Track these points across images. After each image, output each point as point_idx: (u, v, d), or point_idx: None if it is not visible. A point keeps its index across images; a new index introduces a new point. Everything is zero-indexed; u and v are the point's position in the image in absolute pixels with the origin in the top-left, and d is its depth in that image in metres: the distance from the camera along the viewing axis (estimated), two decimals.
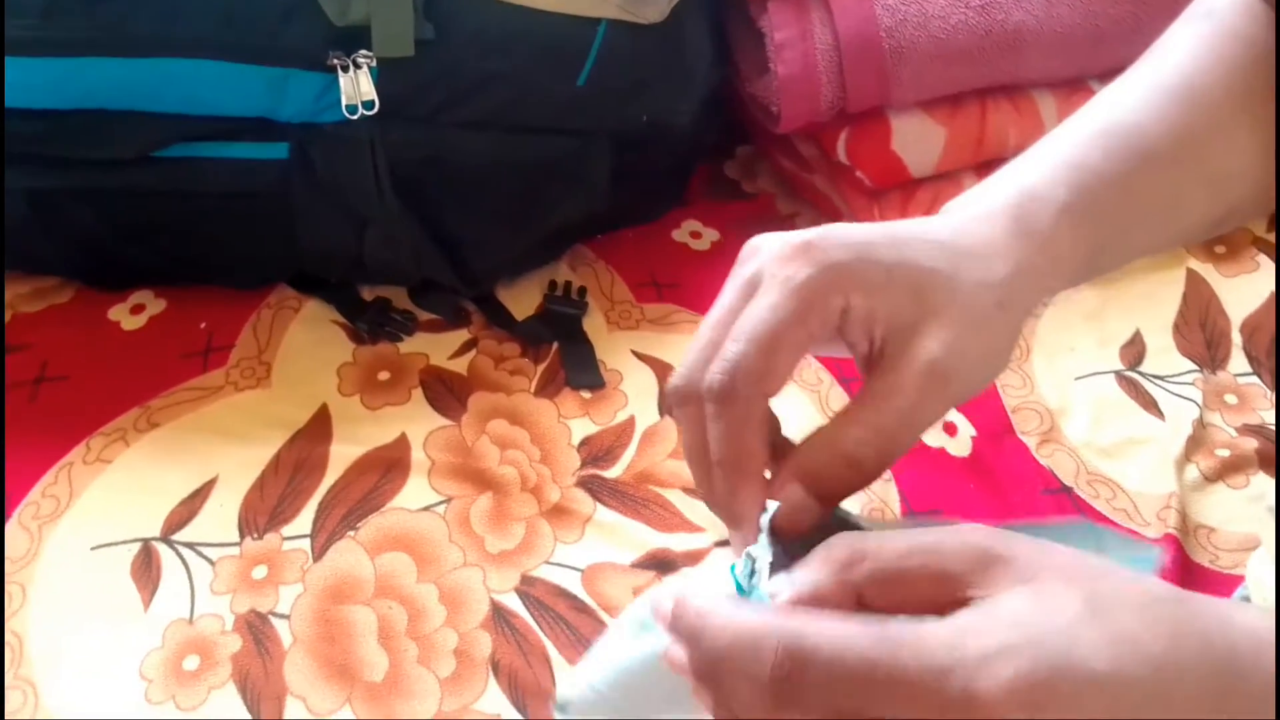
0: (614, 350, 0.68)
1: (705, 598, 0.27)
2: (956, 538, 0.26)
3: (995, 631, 0.23)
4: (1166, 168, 0.36)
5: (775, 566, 0.28)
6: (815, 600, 0.26)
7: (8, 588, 0.54)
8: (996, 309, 0.30)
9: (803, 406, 0.65)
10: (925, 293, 0.29)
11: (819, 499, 0.29)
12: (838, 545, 0.27)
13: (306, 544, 0.57)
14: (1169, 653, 0.23)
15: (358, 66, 0.60)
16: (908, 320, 0.29)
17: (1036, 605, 0.24)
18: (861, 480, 0.29)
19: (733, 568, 0.30)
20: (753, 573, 0.29)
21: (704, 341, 0.30)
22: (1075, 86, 0.74)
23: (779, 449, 0.31)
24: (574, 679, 0.34)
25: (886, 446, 0.29)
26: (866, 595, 0.26)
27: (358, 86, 0.60)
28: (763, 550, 0.29)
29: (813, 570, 0.27)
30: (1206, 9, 0.40)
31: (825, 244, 0.29)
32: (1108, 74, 0.44)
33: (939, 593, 0.25)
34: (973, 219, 0.32)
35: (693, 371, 0.30)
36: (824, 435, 0.30)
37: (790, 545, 0.30)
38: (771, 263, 0.29)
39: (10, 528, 0.57)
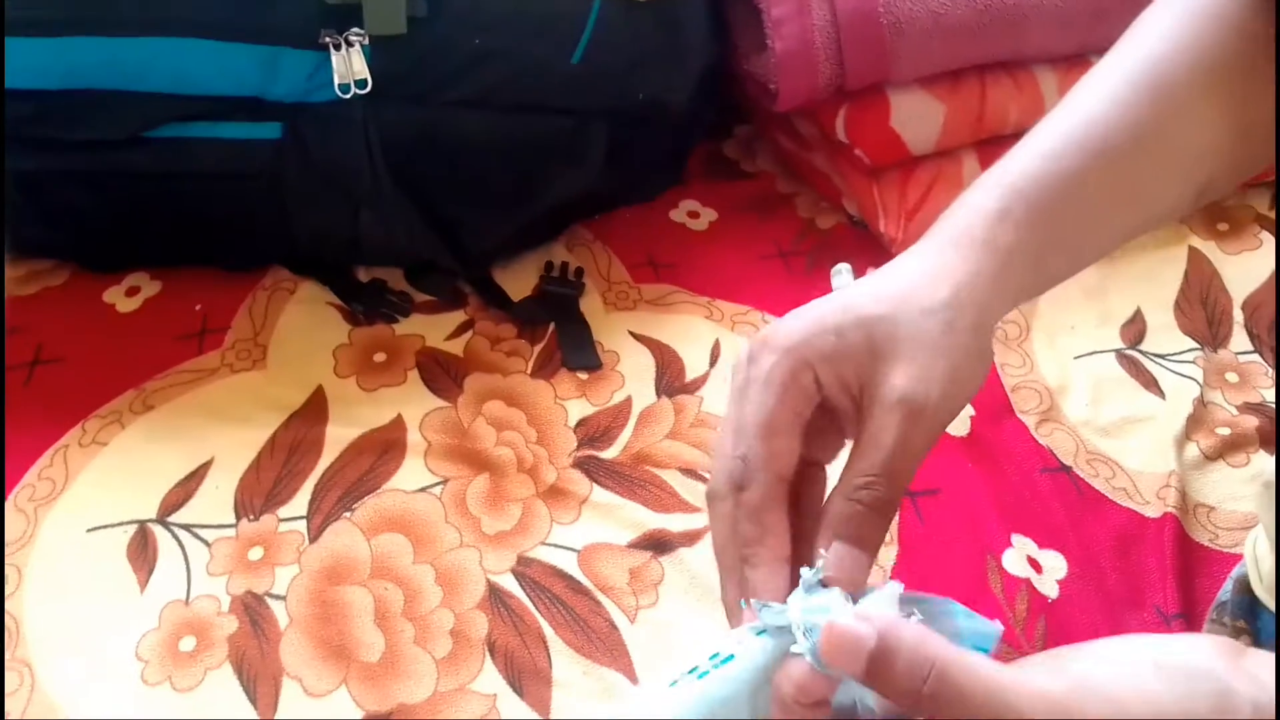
0: (611, 331, 0.68)
1: None
2: None
3: None
4: (1127, 160, 0.37)
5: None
6: None
7: (5, 570, 0.54)
8: (945, 331, 0.33)
9: None
10: (875, 341, 0.32)
11: (859, 547, 0.32)
12: None
13: (303, 525, 0.57)
14: None
15: (350, 44, 0.59)
16: (869, 370, 0.32)
17: None
18: (885, 518, 0.33)
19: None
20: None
21: (721, 450, 0.34)
22: (1075, 62, 0.73)
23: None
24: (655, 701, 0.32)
25: (892, 482, 0.32)
26: None
27: (350, 65, 0.59)
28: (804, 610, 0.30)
29: None
30: None
31: (779, 332, 0.34)
32: (1109, 48, 0.43)
33: None
34: (912, 254, 0.35)
35: (717, 475, 0.34)
36: (838, 491, 0.33)
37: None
38: (745, 368, 0.34)
39: (6, 510, 0.57)
